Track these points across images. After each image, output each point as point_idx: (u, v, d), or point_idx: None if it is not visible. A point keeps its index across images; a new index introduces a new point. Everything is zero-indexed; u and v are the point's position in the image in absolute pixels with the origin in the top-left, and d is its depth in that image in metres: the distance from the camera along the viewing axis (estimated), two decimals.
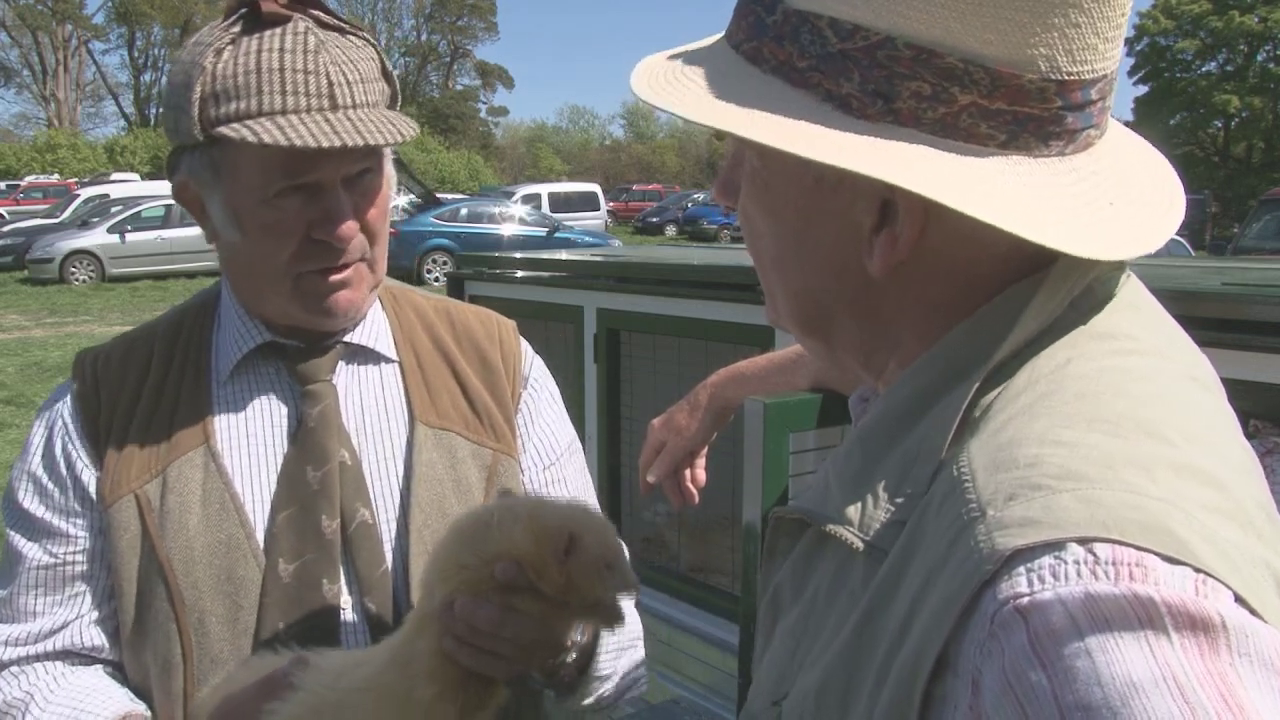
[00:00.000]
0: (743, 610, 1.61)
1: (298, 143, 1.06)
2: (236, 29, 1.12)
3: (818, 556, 0.72)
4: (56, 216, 23.76)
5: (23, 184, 33.13)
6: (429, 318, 1.36)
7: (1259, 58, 41.61)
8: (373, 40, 1.21)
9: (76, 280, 19.39)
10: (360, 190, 1.18)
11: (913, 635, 0.57)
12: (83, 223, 21.40)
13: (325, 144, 1.07)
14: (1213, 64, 42.55)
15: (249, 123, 1.08)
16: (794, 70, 0.67)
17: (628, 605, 1.33)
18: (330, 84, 1.11)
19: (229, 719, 1.08)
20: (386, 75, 1.21)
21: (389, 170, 1.24)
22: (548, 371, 1.44)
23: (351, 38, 1.17)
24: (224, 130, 1.09)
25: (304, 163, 1.11)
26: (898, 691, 0.57)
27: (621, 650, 1.27)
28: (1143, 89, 44.03)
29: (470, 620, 0.99)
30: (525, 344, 1.41)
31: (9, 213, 27.14)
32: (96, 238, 19.92)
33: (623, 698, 1.33)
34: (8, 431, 8.47)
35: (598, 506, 1.44)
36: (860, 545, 0.66)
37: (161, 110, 1.20)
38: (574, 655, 1.19)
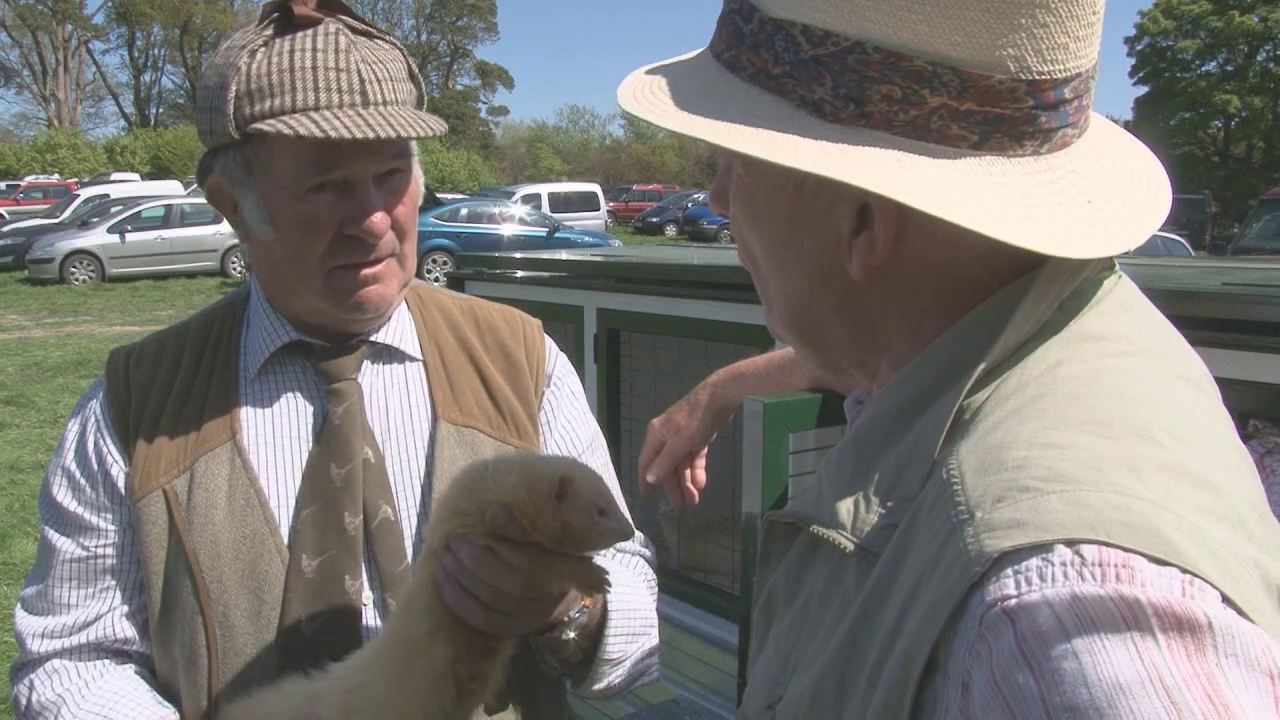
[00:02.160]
0: (742, 610, 1.61)
1: (332, 134, 1.09)
2: (269, 31, 1.15)
3: (811, 560, 0.72)
4: (56, 216, 23.78)
5: (23, 184, 33.12)
6: (454, 317, 1.38)
7: (1259, 58, 41.59)
8: (398, 44, 1.24)
9: (76, 280, 19.40)
10: (390, 187, 1.20)
11: (903, 638, 0.58)
12: (83, 223, 21.42)
13: (359, 135, 1.09)
14: (1213, 64, 42.53)
15: (284, 118, 1.11)
16: (769, 77, 0.68)
17: (640, 590, 1.34)
18: (362, 80, 1.14)
19: None
20: (413, 78, 1.24)
21: (417, 171, 1.26)
22: (571, 368, 1.45)
23: (379, 41, 1.20)
24: (259, 126, 1.11)
25: (337, 158, 1.14)
26: (889, 694, 0.58)
27: (634, 636, 1.28)
28: (1143, 89, 44.04)
29: (456, 554, 1.01)
30: (550, 342, 1.43)
31: (9, 213, 27.14)
32: (96, 238, 19.94)
33: (634, 685, 1.33)
34: (8, 431, 8.48)
35: (621, 498, 1.45)
36: (852, 548, 0.66)
37: (195, 115, 1.23)
38: (574, 633, 1.18)
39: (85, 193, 26.12)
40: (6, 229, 23.35)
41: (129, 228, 20.22)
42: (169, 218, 20.53)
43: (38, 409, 9.27)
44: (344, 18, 1.18)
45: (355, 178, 1.16)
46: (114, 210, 21.45)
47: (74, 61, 58.20)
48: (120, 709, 1.18)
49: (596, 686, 1.27)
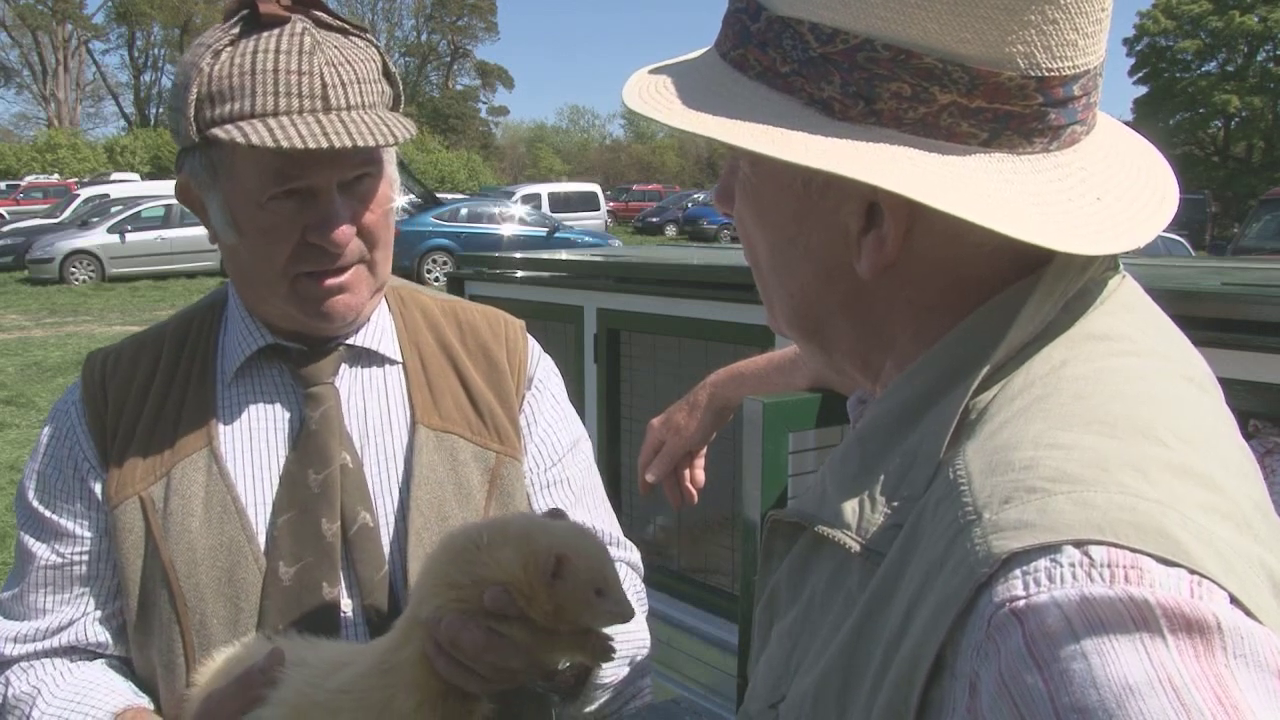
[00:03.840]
0: (742, 610, 1.61)
1: (284, 144, 1.06)
2: (236, 31, 1.11)
3: (814, 559, 0.72)
4: (56, 216, 23.76)
5: (23, 184, 33.13)
6: (435, 318, 1.35)
7: (1259, 58, 41.60)
8: (374, 41, 1.20)
9: (76, 280, 19.39)
10: (358, 194, 1.17)
11: (910, 638, 0.57)
12: (83, 223, 21.41)
13: (313, 145, 1.06)
14: (1213, 64, 42.53)
15: (240, 124, 1.08)
16: (777, 75, 0.68)
17: (636, 619, 1.33)
18: (324, 85, 1.10)
19: None
20: (388, 76, 1.20)
21: (390, 173, 1.23)
22: (555, 369, 1.43)
23: (353, 38, 1.17)
24: (215, 131, 1.09)
25: (297, 166, 1.11)
26: (895, 694, 0.57)
27: (625, 659, 1.26)
28: (1143, 89, 44.06)
29: (454, 640, 0.98)
30: (534, 343, 1.41)
31: (9, 213, 27.14)
32: (96, 238, 19.93)
33: (625, 707, 1.32)
34: (8, 431, 8.47)
35: (606, 500, 1.43)
36: (857, 548, 0.66)
37: (166, 111, 1.20)
38: (568, 662, 1.17)
39: (85, 193, 26.08)
40: (6, 229, 23.35)
41: (129, 228, 20.20)
42: (169, 218, 20.49)
43: (38, 409, 9.26)
44: (315, 14, 1.14)
45: (318, 186, 1.13)
46: (114, 210, 21.43)
47: (74, 61, 58.23)
48: (95, 695, 1.16)
49: (587, 710, 1.25)
